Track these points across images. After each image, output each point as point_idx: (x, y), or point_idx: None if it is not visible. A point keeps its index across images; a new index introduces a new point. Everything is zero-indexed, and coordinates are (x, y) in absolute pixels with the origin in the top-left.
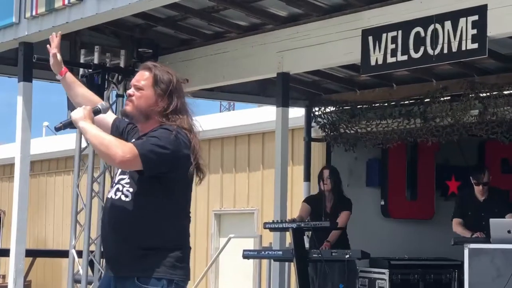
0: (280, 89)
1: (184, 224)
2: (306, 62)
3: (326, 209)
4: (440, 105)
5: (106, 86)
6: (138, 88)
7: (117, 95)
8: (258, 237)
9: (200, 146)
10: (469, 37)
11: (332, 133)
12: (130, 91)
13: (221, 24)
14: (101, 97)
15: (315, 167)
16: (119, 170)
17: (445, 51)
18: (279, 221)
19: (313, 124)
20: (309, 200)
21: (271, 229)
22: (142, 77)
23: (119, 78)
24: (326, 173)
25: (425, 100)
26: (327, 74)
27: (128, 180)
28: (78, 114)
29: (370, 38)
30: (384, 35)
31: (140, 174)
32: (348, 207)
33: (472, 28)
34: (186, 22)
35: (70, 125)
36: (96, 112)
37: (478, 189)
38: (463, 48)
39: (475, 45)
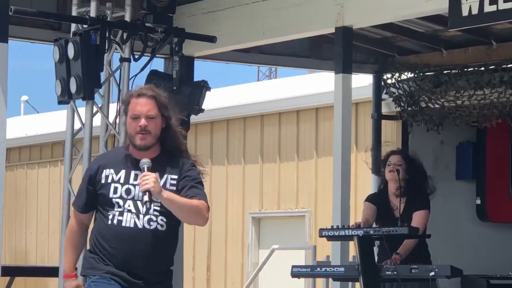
0: (340, 49)
1: None
2: (374, 12)
3: (392, 210)
4: None
5: (106, 48)
6: (151, 118)
7: (122, 59)
8: (312, 248)
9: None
10: None
11: (410, 108)
12: (144, 122)
13: None
14: (101, 61)
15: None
16: (137, 192)
17: None
18: (339, 226)
19: (384, 95)
20: (372, 197)
21: (329, 238)
22: (151, 106)
23: (124, 37)
24: (394, 159)
25: None
26: (403, 29)
27: (158, 208)
28: (157, 188)
29: None
30: None
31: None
32: (423, 205)
33: None
34: None
35: (151, 199)
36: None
37: None
38: None
39: None
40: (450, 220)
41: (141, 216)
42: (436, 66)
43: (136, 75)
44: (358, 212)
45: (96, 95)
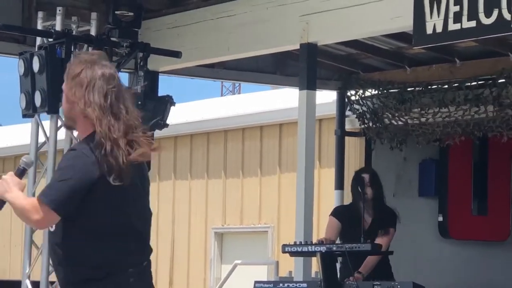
0: (305, 66)
1: (112, 245)
2: (339, 29)
3: (364, 225)
4: None
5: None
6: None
7: None
8: (274, 263)
9: (114, 147)
10: None
11: (373, 125)
12: None
13: None
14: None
15: (350, 170)
16: None
17: None
18: (302, 242)
19: (347, 112)
20: (338, 213)
21: (292, 254)
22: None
23: (89, 50)
24: (367, 178)
25: (499, 81)
26: (367, 46)
27: None
28: (1, 188)
29: None
30: None
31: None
32: (391, 223)
33: None
34: None
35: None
36: (21, 172)
37: None
38: None
39: None
40: (413, 237)
41: None
42: (400, 83)
43: None
44: (321, 228)
45: (60, 109)
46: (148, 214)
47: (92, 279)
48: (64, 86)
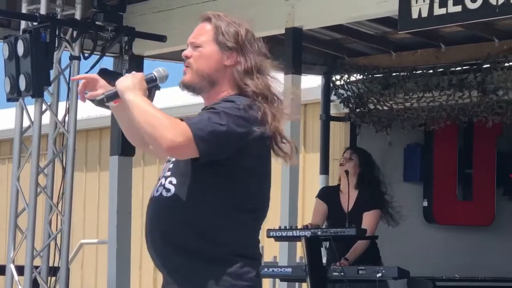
0: (290, 51)
1: (249, 227)
2: (324, 14)
3: (342, 207)
4: (504, 72)
5: (56, 45)
6: (196, 46)
7: (71, 57)
8: (260, 248)
9: (280, 118)
10: None
11: (358, 110)
12: (187, 52)
13: None
14: (50, 59)
15: (335, 154)
16: (170, 162)
17: None
18: (287, 227)
19: (333, 97)
20: (323, 194)
21: (277, 238)
22: (201, 32)
23: (74, 35)
24: (346, 153)
25: (484, 66)
26: (353, 31)
27: (171, 166)
28: (126, 83)
29: None
30: None
31: (194, 160)
32: (375, 203)
33: None
34: None
35: (115, 97)
36: (150, 81)
37: None
38: None
39: None
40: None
41: (158, 180)
42: (385, 68)
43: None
44: (306, 212)
45: (45, 93)
46: None
47: (214, 257)
48: None
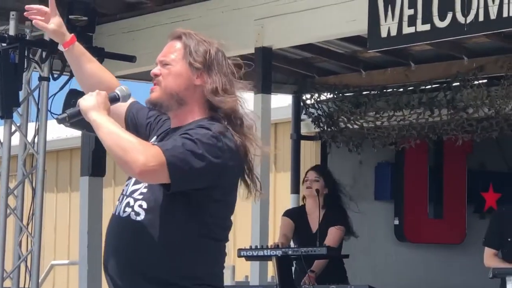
0: (260, 70)
1: (217, 257)
2: (294, 33)
3: (310, 227)
4: (473, 90)
5: (25, 66)
6: (166, 64)
7: (41, 78)
8: (231, 268)
9: (251, 147)
10: None
11: (329, 129)
12: (156, 70)
13: None
14: (20, 79)
15: None
16: (133, 179)
17: (481, 18)
18: (258, 247)
19: (303, 116)
20: (291, 213)
21: (248, 258)
22: (170, 50)
23: (43, 55)
24: (312, 175)
25: (454, 84)
26: (323, 50)
27: (144, 191)
28: (89, 102)
29: (381, 1)
30: None
31: (164, 187)
32: (339, 220)
33: None
34: None
35: (77, 115)
36: (113, 99)
37: None
38: (505, 14)
39: None
40: (369, 240)
41: (123, 198)
42: (356, 87)
43: (55, 94)
44: (277, 232)
45: (15, 114)
46: None
47: (178, 285)
48: None
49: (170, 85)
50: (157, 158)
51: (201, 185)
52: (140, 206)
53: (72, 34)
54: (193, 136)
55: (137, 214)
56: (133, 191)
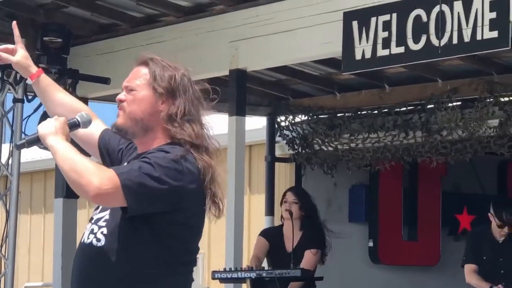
0: (234, 92)
1: (181, 282)
2: (268, 55)
3: (285, 247)
4: (447, 113)
5: (0, 88)
6: (130, 90)
7: (15, 100)
8: None
9: (214, 171)
10: (486, 22)
11: (303, 151)
12: (121, 96)
13: (154, 4)
14: None
15: (281, 196)
16: (101, 206)
17: (455, 41)
18: (232, 269)
19: (278, 138)
20: (266, 232)
21: (222, 280)
22: (135, 75)
23: (18, 77)
24: (290, 197)
25: (428, 106)
26: (297, 72)
27: (107, 217)
28: (47, 128)
29: (355, 24)
30: (373, 20)
31: (123, 211)
32: (315, 243)
33: (491, 10)
34: (107, 1)
35: (36, 141)
36: (73, 125)
37: (500, 230)
38: (478, 37)
39: (494, 34)
40: (343, 262)
41: (90, 225)
42: (330, 109)
43: (29, 116)
44: (251, 254)
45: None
46: None
47: None
48: None
49: (134, 111)
50: (111, 181)
51: (160, 209)
52: (102, 232)
53: (39, 67)
54: (151, 159)
55: (98, 240)
56: (99, 219)
